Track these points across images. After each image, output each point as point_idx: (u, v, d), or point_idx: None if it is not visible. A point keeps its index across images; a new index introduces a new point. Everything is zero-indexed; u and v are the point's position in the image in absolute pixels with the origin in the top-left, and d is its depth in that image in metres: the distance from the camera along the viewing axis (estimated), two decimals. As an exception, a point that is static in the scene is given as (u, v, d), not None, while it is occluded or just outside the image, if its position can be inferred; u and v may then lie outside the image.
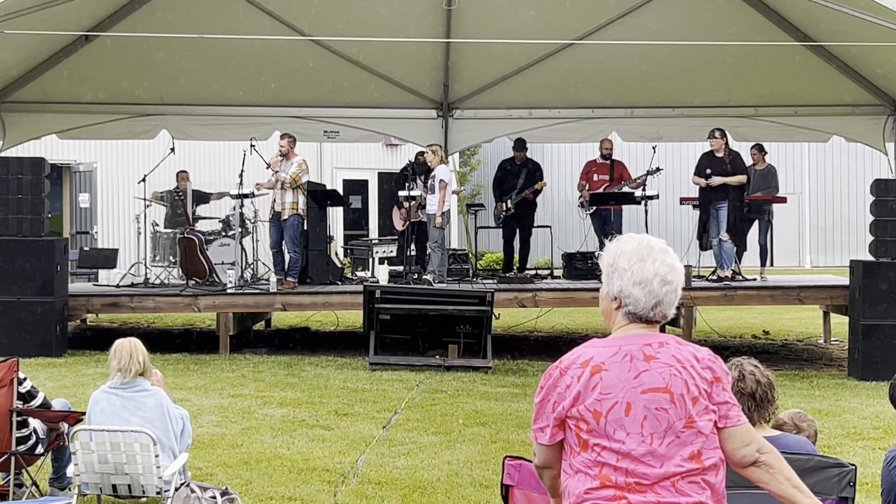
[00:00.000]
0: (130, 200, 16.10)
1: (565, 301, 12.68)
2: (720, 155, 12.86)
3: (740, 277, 12.79)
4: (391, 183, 14.75)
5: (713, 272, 13.13)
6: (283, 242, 12.84)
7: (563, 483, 2.98)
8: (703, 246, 13.27)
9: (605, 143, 14.09)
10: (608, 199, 13.59)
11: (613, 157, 14.14)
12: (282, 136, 12.92)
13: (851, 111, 13.73)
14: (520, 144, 14.17)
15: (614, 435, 2.88)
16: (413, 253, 13.68)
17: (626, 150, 16.22)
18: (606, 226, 13.71)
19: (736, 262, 12.90)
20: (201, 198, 14.98)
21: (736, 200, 12.77)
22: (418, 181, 13.53)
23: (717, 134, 12.90)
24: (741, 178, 12.79)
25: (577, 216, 14.13)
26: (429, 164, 13.13)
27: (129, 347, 5.84)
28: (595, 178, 13.90)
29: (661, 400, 2.89)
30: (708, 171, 12.82)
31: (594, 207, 13.60)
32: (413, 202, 13.40)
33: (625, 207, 14.20)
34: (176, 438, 5.81)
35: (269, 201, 14.62)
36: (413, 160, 14.33)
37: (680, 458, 2.88)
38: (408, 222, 13.56)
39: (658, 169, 13.28)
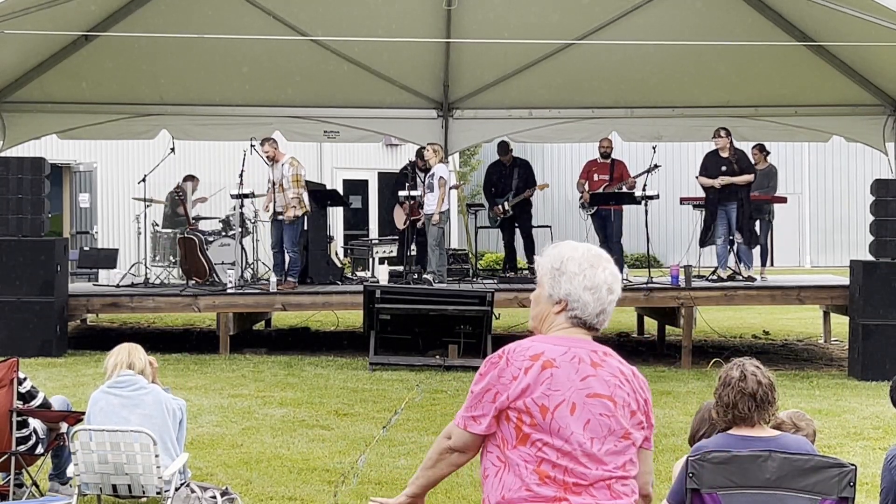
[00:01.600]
0: (130, 200, 16.10)
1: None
2: (725, 154, 12.82)
3: (740, 277, 12.76)
4: (391, 183, 14.74)
5: (731, 273, 13.03)
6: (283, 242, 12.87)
7: (492, 474, 2.95)
8: (703, 243, 13.25)
9: (604, 142, 14.08)
10: (608, 199, 13.58)
11: (614, 157, 14.13)
12: (262, 143, 12.80)
13: (851, 111, 13.72)
14: (503, 148, 14.18)
15: (558, 432, 2.88)
16: (413, 253, 13.68)
17: (626, 150, 16.22)
18: (607, 226, 13.70)
19: (739, 263, 12.86)
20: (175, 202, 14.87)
21: (745, 200, 12.74)
22: (419, 180, 13.54)
23: (722, 133, 12.85)
24: (748, 178, 12.75)
25: (577, 216, 14.12)
26: (428, 162, 13.14)
27: (126, 346, 5.86)
28: (595, 177, 13.89)
29: (605, 407, 2.93)
30: (723, 168, 12.76)
31: (595, 207, 13.60)
32: (413, 201, 13.41)
33: (625, 207, 14.19)
34: (176, 433, 5.81)
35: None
36: (413, 159, 14.33)
37: (613, 465, 2.93)
38: (409, 221, 13.58)
39: (656, 166, 13.28)
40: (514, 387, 2.90)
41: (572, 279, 3.00)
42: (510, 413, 2.91)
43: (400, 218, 14.23)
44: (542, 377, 2.89)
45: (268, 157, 12.73)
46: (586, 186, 13.84)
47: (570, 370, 2.92)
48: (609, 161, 13.92)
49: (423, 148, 13.55)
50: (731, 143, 12.89)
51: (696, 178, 13.17)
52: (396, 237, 14.77)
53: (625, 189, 13.72)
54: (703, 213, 13.29)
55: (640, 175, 13.64)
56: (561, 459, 2.87)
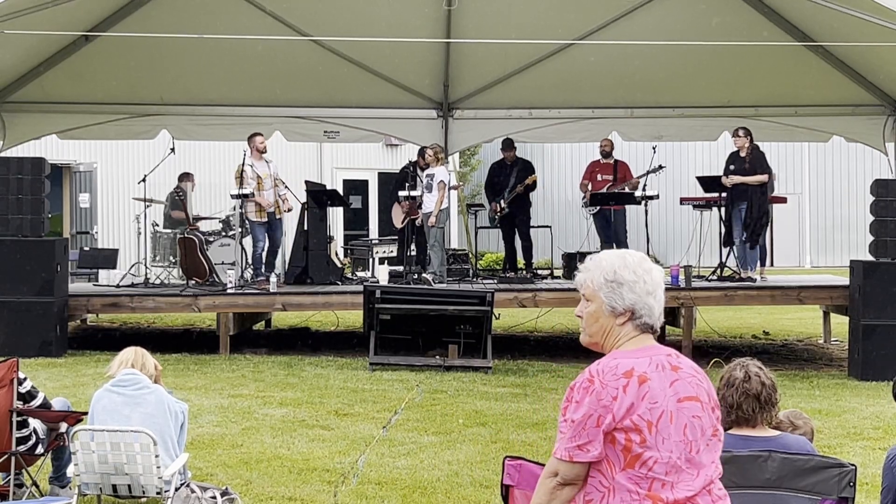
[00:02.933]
0: (130, 200, 16.09)
1: (565, 301, 12.66)
2: (742, 154, 12.79)
3: (750, 279, 12.70)
4: (392, 183, 14.75)
5: (731, 272, 13.04)
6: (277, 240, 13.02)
7: (597, 499, 2.91)
8: (726, 243, 13.23)
9: (604, 141, 14.09)
10: (608, 200, 13.58)
11: (616, 157, 14.13)
12: (256, 136, 12.94)
13: (851, 111, 13.73)
14: (507, 144, 14.21)
15: (662, 446, 2.87)
16: (413, 253, 13.68)
17: (626, 150, 16.22)
18: (610, 226, 13.68)
19: (750, 266, 12.84)
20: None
21: (756, 200, 12.68)
22: (419, 179, 13.55)
23: (740, 132, 12.80)
24: (761, 178, 12.70)
25: (577, 216, 14.13)
26: (428, 163, 13.15)
27: (133, 349, 5.88)
28: (599, 177, 13.89)
29: (695, 408, 2.94)
30: (731, 167, 12.76)
31: (598, 207, 13.57)
32: (412, 201, 13.41)
33: (627, 207, 14.19)
34: (177, 435, 5.81)
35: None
36: (415, 159, 14.32)
37: (710, 465, 2.95)
38: (408, 219, 13.59)
39: (661, 167, 13.28)
40: (617, 407, 2.85)
41: (633, 288, 3.00)
42: (617, 434, 2.86)
43: (398, 217, 14.24)
44: (642, 392, 2.87)
45: (263, 150, 12.83)
46: (589, 187, 13.84)
47: (660, 380, 2.91)
48: (612, 161, 13.93)
49: (425, 147, 13.58)
50: (751, 141, 12.80)
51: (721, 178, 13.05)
52: (396, 237, 14.78)
53: (627, 189, 13.72)
54: (724, 213, 13.27)
55: (644, 175, 13.65)
56: (669, 475, 2.86)
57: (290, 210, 13.30)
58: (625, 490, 2.87)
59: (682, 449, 2.89)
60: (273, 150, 14.50)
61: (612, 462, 2.88)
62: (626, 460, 2.87)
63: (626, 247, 13.78)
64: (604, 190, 13.67)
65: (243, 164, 12.70)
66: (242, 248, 13.18)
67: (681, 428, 2.90)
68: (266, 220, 13.00)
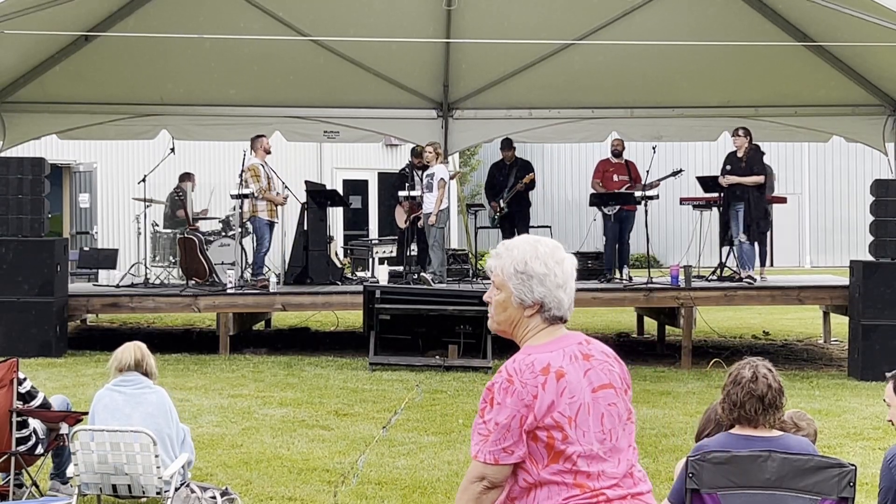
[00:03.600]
0: (130, 200, 16.09)
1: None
2: (740, 154, 12.79)
3: (750, 279, 12.69)
4: (391, 183, 14.76)
5: (731, 272, 13.04)
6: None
7: (521, 497, 2.88)
8: (725, 243, 13.23)
9: (616, 141, 14.03)
10: (608, 200, 13.56)
11: (627, 158, 14.07)
12: (263, 136, 13.02)
13: (851, 111, 13.73)
14: (506, 144, 14.21)
15: (583, 439, 2.86)
16: (413, 253, 13.68)
17: (627, 149, 16.23)
18: (624, 226, 13.61)
19: (750, 266, 12.83)
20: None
21: (753, 200, 12.68)
22: (417, 179, 13.58)
23: (740, 132, 12.78)
24: (757, 179, 12.68)
25: (577, 216, 14.12)
26: (427, 162, 13.15)
27: (132, 345, 5.88)
28: (615, 178, 13.79)
29: (610, 395, 2.94)
30: (728, 167, 12.75)
31: (618, 207, 13.48)
32: (413, 201, 13.42)
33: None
34: (177, 438, 5.81)
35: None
36: (411, 159, 14.33)
37: (629, 448, 2.96)
38: (410, 220, 13.61)
39: (680, 170, 13.28)
40: (538, 406, 2.82)
41: (544, 280, 2.94)
42: (539, 433, 2.84)
43: (401, 217, 14.24)
44: (560, 388, 2.85)
45: (269, 151, 12.85)
46: (600, 185, 13.79)
47: (575, 372, 2.90)
48: (623, 161, 13.88)
49: (419, 146, 13.59)
50: (750, 141, 12.79)
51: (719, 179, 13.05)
52: (396, 237, 14.79)
53: (648, 193, 13.59)
54: (721, 213, 13.26)
55: (664, 178, 13.66)
56: (593, 465, 2.86)
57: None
58: (551, 483, 2.85)
59: (601, 439, 2.88)
60: (273, 150, 14.49)
61: (535, 459, 2.86)
62: (549, 456, 2.85)
63: (629, 248, 13.81)
64: (623, 189, 13.60)
65: (265, 165, 12.70)
66: (242, 248, 13.18)
67: (598, 418, 2.89)
68: (275, 220, 12.95)
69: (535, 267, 2.94)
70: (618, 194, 13.60)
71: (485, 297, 3.08)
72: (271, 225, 12.90)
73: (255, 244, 13.00)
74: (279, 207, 12.96)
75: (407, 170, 14.12)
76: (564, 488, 2.84)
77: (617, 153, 13.92)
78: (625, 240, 13.60)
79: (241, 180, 12.58)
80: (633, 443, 3.00)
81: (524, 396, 2.83)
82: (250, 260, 13.54)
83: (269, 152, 12.91)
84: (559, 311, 2.97)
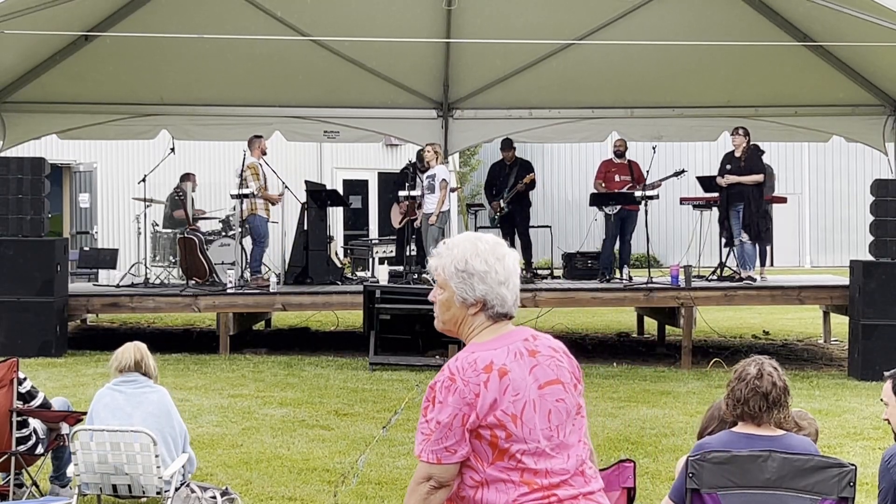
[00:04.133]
0: (130, 200, 16.10)
1: (565, 301, 12.69)
2: (738, 154, 12.79)
3: (750, 279, 12.69)
4: (391, 183, 14.78)
5: (731, 272, 13.04)
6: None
7: (470, 495, 2.86)
8: (727, 243, 13.23)
9: (619, 141, 14.01)
10: (608, 199, 13.56)
11: (630, 158, 14.06)
12: (260, 136, 13.09)
13: (851, 111, 13.73)
14: (506, 144, 14.21)
15: (529, 436, 2.83)
16: (413, 253, 13.67)
17: (629, 150, 16.22)
18: (626, 226, 13.61)
19: (750, 266, 12.83)
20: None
21: (753, 200, 12.68)
22: (419, 180, 13.56)
23: (740, 132, 12.78)
24: (756, 178, 12.68)
25: (577, 216, 14.11)
26: (427, 162, 13.16)
27: (132, 345, 5.88)
28: (616, 178, 13.78)
29: (557, 391, 2.91)
30: (728, 166, 12.75)
31: (619, 207, 13.48)
32: (410, 201, 13.43)
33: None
34: (181, 436, 5.81)
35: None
36: (413, 160, 14.33)
37: (579, 444, 2.93)
38: (406, 219, 13.62)
39: (683, 171, 13.27)
40: (480, 404, 2.80)
41: (484, 278, 2.91)
42: (482, 431, 2.81)
43: (396, 217, 14.25)
44: (503, 386, 2.81)
45: (265, 151, 12.94)
46: (603, 186, 13.78)
47: (519, 369, 2.86)
48: (626, 161, 13.86)
49: (423, 149, 13.59)
50: (748, 142, 12.79)
51: (716, 179, 13.04)
52: (395, 237, 14.79)
53: (649, 193, 13.59)
54: (719, 213, 13.26)
55: (666, 178, 13.65)
56: (540, 462, 2.83)
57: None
58: (499, 481, 2.82)
59: (548, 436, 2.85)
60: (273, 150, 14.50)
61: (480, 457, 2.83)
62: (494, 454, 2.82)
63: (630, 247, 13.80)
64: (624, 189, 13.60)
65: (261, 164, 12.75)
66: (242, 248, 13.18)
67: (545, 415, 2.86)
68: (270, 219, 13.03)
69: (475, 265, 2.91)
70: (618, 194, 13.60)
71: (429, 297, 3.06)
72: (268, 223, 12.95)
73: (252, 243, 13.02)
74: (273, 207, 13.04)
75: (409, 169, 14.14)
76: (512, 486, 2.82)
77: (619, 153, 13.91)
78: (626, 240, 13.62)
79: (241, 179, 12.60)
80: (585, 438, 2.97)
81: (466, 395, 2.80)
82: (251, 259, 13.55)
83: (265, 153, 12.97)
84: (503, 308, 2.94)
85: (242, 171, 12.69)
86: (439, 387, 2.84)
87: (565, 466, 2.86)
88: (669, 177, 13.60)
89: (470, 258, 2.91)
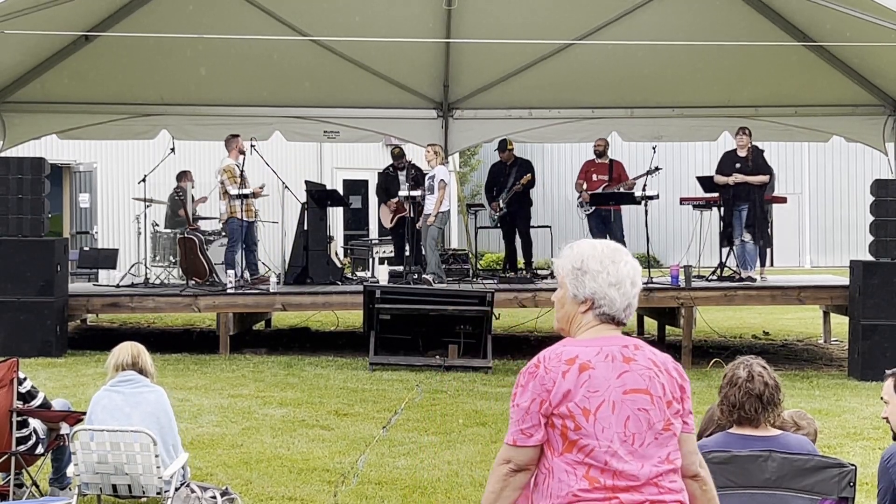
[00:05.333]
0: (130, 200, 16.09)
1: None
2: (743, 154, 12.79)
3: (750, 279, 12.69)
4: (378, 184, 14.82)
5: (731, 273, 13.05)
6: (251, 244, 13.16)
7: (540, 482, 2.94)
8: (726, 243, 13.24)
9: (599, 141, 14.03)
10: (608, 199, 13.57)
11: (612, 157, 14.11)
12: (238, 136, 13.12)
13: (851, 111, 13.73)
14: (502, 145, 14.21)
15: (601, 434, 2.88)
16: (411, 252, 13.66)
17: (627, 150, 16.21)
18: (607, 226, 13.67)
19: (750, 266, 12.83)
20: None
21: (758, 200, 12.70)
22: (401, 179, 13.65)
23: (746, 132, 12.78)
24: (763, 178, 12.70)
25: (576, 216, 14.10)
26: (428, 163, 13.17)
27: (128, 345, 5.88)
28: (594, 177, 13.85)
29: (643, 401, 2.94)
30: (738, 165, 12.74)
31: (593, 208, 13.57)
32: (398, 199, 13.49)
33: (623, 208, 14.18)
34: (177, 438, 5.81)
35: (267, 202, 14.65)
36: (406, 161, 14.33)
37: (657, 459, 2.94)
38: (397, 218, 13.66)
39: (657, 168, 13.26)
40: (555, 392, 2.89)
41: (596, 277, 3.01)
42: (555, 419, 2.90)
43: (387, 217, 14.26)
44: (581, 380, 2.90)
45: (243, 151, 13.01)
46: (584, 187, 13.81)
47: (605, 369, 2.93)
48: (607, 161, 13.89)
49: (397, 148, 13.68)
50: (750, 142, 12.81)
51: (714, 176, 13.04)
52: (389, 237, 14.79)
53: (622, 190, 13.69)
54: (722, 213, 13.25)
55: (640, 177, 13.63)
56: (609, 462, 2.88)
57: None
58: (562, 471, 2.89)
59: (623, 440, 2.89)
60: (273, 150, 14.49)
61: (552, 446, 2.92)
62: (564, 445, 2.90)
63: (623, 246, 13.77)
64: (600, 190, 13.63)
65: (242, 166, 12.73)
66: (242, 249, 13.17)
67: (623, 419, 2.90)
68: (252, 219, 13.04)
69: (590, 264, 3.03)
70: (617, 194, 13.61)
71: (552, 298, 3.19)
72: (248, 225, 12.95)
73: (227, 243, 13.03)
74: (264, 204, 13.01)
75: (391, 170, 14.19)
76: (574, 479, 2.88)
77: (599, 153, 13.91)
78: (618, 239, 13.52)
79: (219, 181, 12.68)
80: (674, 458, 2.96)
81: (545, 382, 2.92)
82: (244, 262, 13.55)
83: (243, 153, 12.93)
84: (611, 310, 3.02)
85: (218, 172, 12.75)
86: (524, 372, 2.98)
87: (637, 473, 2.89)
88: (644, 175, 13.52)
89: (587, 258, 3.04)
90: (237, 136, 13.10)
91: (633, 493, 2.88)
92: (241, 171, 12.74)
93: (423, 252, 12.94)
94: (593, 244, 3.08)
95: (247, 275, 13.07)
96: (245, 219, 12.82)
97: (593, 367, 2.92)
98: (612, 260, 3.03)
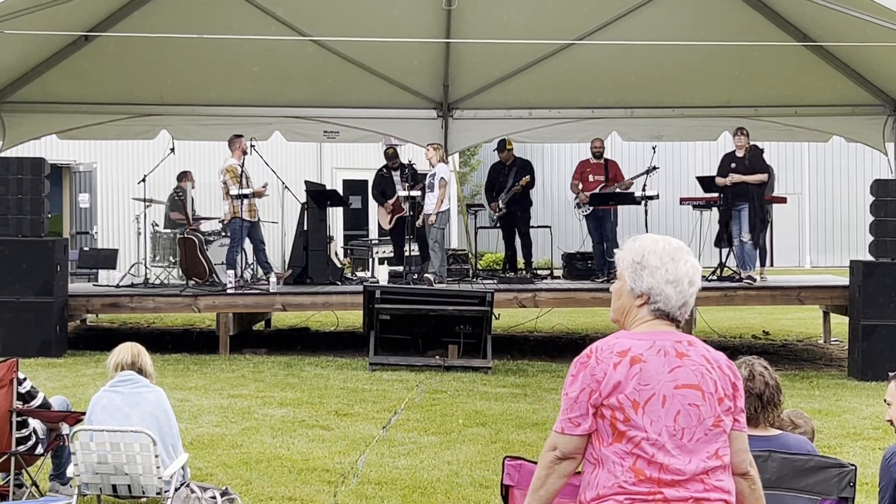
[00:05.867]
0: (130, 200, 16.09)
1: (565, 301, 12.68)
2: (741, 154, 12.79)
3: (750, 279, 12.68)
4: (374, 185, 14.81)
5: (731, 273, 13.05)
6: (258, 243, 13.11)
7: (588, 471, 2.97)
8: (722, 244, 13.24)
9: (596, 142, 13.99)
10: (608, 200, 13.57)
11: (607, 157, 14.09)
12: (241, 136, 13.08)
13: (851, 111, 13.73)
14: (501, 145, 14.21)
15: (650, 427, 2.89)
16: (414, 253, 13.66)
17: (627, 149, 16.23)
18: (603, 227, 13.63)
19: (750, 266, 12.82)
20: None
21: (757, 200, 12.69)
22: (396, 179, 13.66)
23: (743, 132, 12.78)
24: (761, 177, 12.71)
25: (576, 216, 14.09)
26: (429, 161, 13.17)
27: (128, 345, 5.88)
28: (590, 178, 13.81)
29: (694, 396, 2.95)
30: (734, 165, 12.75)
31: (591, 208, 13.54)
32: (395, 200, 13.49)
33: (622, 208, 14.16)
34: (176, 438, 5.80)
35: (267, 203, 14.63)
36: (400, 161, 14.32)
37: (706, 455, 2.94)
38: (395, 218, 13.67)
39: (654, 168, 13.25)
40: (605, 383, 2.91)
41: (654, 273, 3.03)
42: (604, 410, 2.92)
43: (385, 218, 14.26)
44: (632, 372, 2.91)
45: (246, 151, 12.94)
46: (580, 187, 13.79)
47: (657, 363, 2.94)
48: (603, 161, 13.86)
49: (391, 148, 13.73)
50: (749, 142, 12.80)
51: (716, 179, 13.02)
52: (388, 237, 14.79)
53: (618, 189, 13.65)
54: (719, 214, 13.26)
55: (637, 176, 13.62)
56: (656, 455, 2.88)
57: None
58: (610, 462, 2.91)
59: (671, 434, 2.90)
60: (273, 150, 14.49)
61: (601, 436, 2.94)
62: (613, 435, 2.91)
63: (616, 246, 13.72)
64: (597, 190, 13.60)
65: (242, 165, 12.72)
66: (242, 248, 13.18)
67: (673, 413, 2.91)
68: (255, 219, 13.01)
69: (650, 259, 3.04)
70: (617, 194, 13.60)
71: (609, 288, 3.22)
72: (251, 225, 12.90)
73: (230, 243, 13.00)
74: (258, 205, 12.98)
75: (385, 171, 14.19)
76: (621, 470, 2.89)
77: (596, 154, 13.87)
78: (609, 239, 13.43)
79: (222, 181, 12.66)
80: (722, 454, 2.97)
81: (596, 372, 2.93)
82: (250, 260, 13.55)
83: (245, 153, 12.90)
84: (666, 306, 3.03)
85: (223, 174, 12.74)
86: (576, 362, 3.00)
87: (683, 468, 2.90)
88: (641, 174, 13.51)
89: (647, 253, 3.05)
90: (241, 136, 13.08)
91: (677, 489, 2.89)
92: (243, 171, 12.73)
93: (435, 248, 12.95)
94: (655, 239, 3.10)
95: (247, 275, 13.08)
96: (248, 219, 12.81)
97: (645, 360, 2.93)
98: (673, 257, 3.05)
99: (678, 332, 3.06)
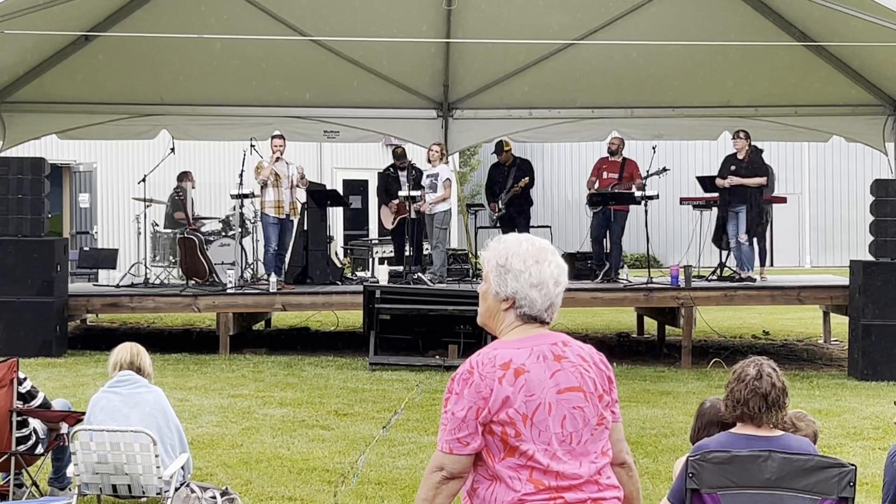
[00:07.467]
0: (130, 200, 16.09)
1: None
2: (741, 156, 12.80)
3: (750, 279, 12.69)
4: (378, 185, 14.82)
5: (731, 273, 13.06)
6: (286, 242, 12.87)
7: (483, 488, 2.90)
8: (721, 246, 13.24)
9: (613, 139, 13.97)
10: (608, 199, 13.55)
11: (626, 156, 14.03)
12: (275, 138, 12.82)
13: (851, 111, 13.73)
14: (498, 148, 14.19)
15: (540, 437, 2.86)
16: (412, 253, 13.66)
17: (626, 150, 16.17)
18: (610, 225, 13.59)
19: (749, 266, 12.83)
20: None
21: (754, 202, 12.70)
22: (402, 180, 13.66)
23: (741, 135, 12.80)
24: (759, 180, 12.71)
25: (577, 216, 14.09)
26: (431, 162, 13.17)
27: (128, 346, 5.88)
28: (605, 175, 13.77)
29: (577, 399, 2.93)
30: (732, 167, 12.75)
31: (600, 206, 13.49)
32: (399, 200, 13.50)
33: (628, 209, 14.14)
34: (175, 439, 5.80)
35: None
36: (408, 161, 14.32)
37: (594, 455, 2.94)
38: (398, 218, 13.66)
39: (665, 169, 13.26)
40: (493, 399, 2.85)
41: (518, 277, 2.97)
42: (494, 427, 2.86)
43: (388, 218, 14.26)
44: (518, 385, 2.86)
45: (282, 152, 12.63)
46: (596, 185, 13.76)
47: (539, 371, 2.90)
48: (620, 159, 13.82)
49: (400, 148, 13.83)
50: (749, 144, 12.79)
51: (717, 181, 13.02)
52: (388, 237, 14.79)
53: (634, 189, 13.59)
54: (717, 214, 13.26)
55: (649, 176, 13.62)
56: (551, 465, 2.86)
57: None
58: (507, 477, 2.86)
59: (561, 440, 2.88)
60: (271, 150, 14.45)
61: (492, 452, 2.88)
62: (504, 451, 2.87)
63: (620, 248, 13.73)
64: (609, 188, 13.58)
65: (242, 166, 12.69)
66: (242, 248, 13.17)
67: (559, 420, 2.89)
68: (282, 217, 12.67)
69: (513, 262, 2.98)
70: (616, 194, 13.58)
71: (477, 290, 3.15)
72: (277, 223, 12.60)
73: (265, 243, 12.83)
74: (288, 204, 12.70)
75: (392, 171, 14.19)
76: (519, 483, 2.85)
77: (612, 151, 13.85)
78: (614, 241, 13.42)
79: (241, 180, 12.56)
80: (607, 450, 2.98)
81: (481, 389, 2.86)
82: (250, 260, 13.53)
83: (275, 152, 12.70)
84: (531, 311, 2.98)
85: (242, 171, 12.65)
86: (458, 379, 2.91)
87: (577, 472, 2.89)
88: (652, 174, 13.51)
89: (511, 256, 2.99)
90: (274, 136, 12.89)
91: (576, 492, 2.88)
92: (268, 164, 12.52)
93: (439, 248, 12.95)
94: (519, 240, 3.03)
95: (247, 275, 13.06)
96: (274, 215, 12.58)
97: (528, 369, 2.88)
98: (536, 259, 2.98)
99: (549, 332, 3.02)
